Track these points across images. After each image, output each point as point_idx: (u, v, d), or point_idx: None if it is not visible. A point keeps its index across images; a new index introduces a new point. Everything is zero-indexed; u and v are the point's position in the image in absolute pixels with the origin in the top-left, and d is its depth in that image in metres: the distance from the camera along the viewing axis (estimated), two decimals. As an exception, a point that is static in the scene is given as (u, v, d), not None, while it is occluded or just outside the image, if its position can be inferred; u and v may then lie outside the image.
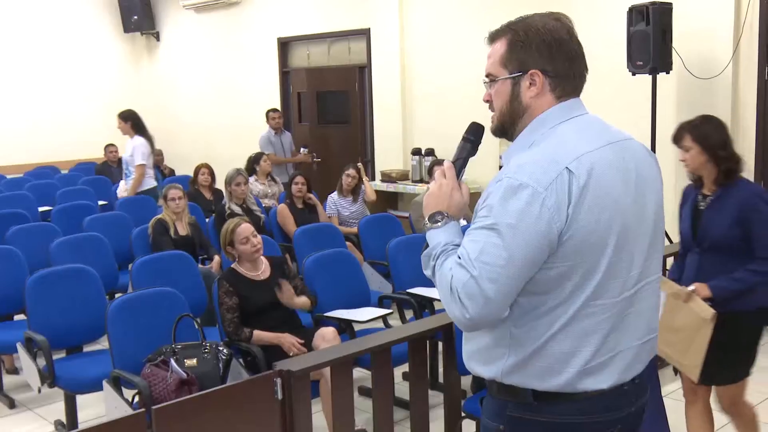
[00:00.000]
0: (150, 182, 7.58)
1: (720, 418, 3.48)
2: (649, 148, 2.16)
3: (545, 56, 1.71)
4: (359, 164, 7.26)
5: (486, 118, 1.93)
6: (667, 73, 5.57)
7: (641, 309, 1.77)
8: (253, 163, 7.72)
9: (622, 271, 1.70)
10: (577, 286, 1.66)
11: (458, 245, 1.70)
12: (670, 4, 5.51)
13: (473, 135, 1.89)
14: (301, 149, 9.08)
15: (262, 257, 4.33)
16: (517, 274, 1.61)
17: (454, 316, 1.66)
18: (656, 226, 1.80)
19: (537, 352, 1.69)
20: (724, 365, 3.16)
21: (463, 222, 1.75)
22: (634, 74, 5.61)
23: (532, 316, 1.68)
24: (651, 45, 5.38)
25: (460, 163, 1.87)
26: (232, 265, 4.29)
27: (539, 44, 1.71)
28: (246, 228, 4.28)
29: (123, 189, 7.65)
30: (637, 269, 1.74)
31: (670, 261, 3.78)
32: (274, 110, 9.05)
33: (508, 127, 1.81)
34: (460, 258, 1.65)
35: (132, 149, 7.41)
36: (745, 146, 5.76)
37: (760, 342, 3.24)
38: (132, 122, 7.49)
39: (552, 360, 1.69)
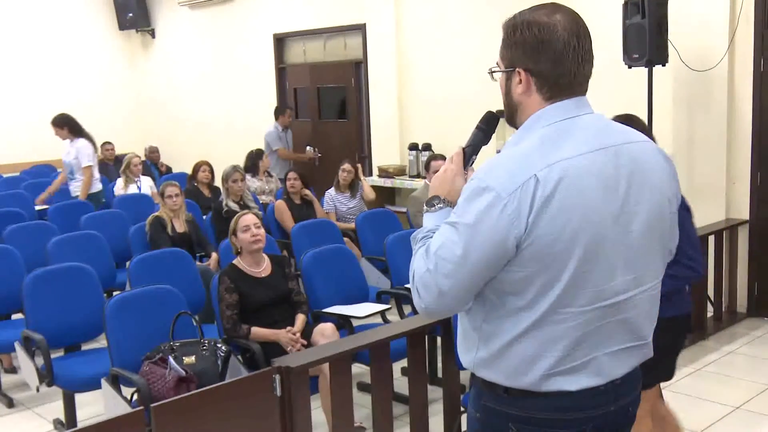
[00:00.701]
0: (96, 185, 7.43)
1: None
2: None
3: (529, 56, 1.69)
4: (358, 163, 7.25)
5: (482, 111, 1.92)
6: (663, 65, 5.56)
7: (630, 317, 1.73)
8: (255, 158, 7.70)
9: (594, 280, 1.66)
10: (540, 293, 1.64)
11: None
12: (666, -4, 5.51)
13: (486, 124, 1.89)
14: (307, 148, 9.11)
15: (264, 255, 4.32)
16: (470, 273, 1.62)
17: (414, 301, 1.71)
18: (653, 234, 1.74)
19: (503, 351, 1.70)
20: None
21: None
22: (630, 67, 5.59)
23: (500, 313, 1.69)
24: (647, 38, 5.37)
25: (470, 150, 1.86)
26: (234, 261, 4.27)
27: (523, 44, 1.70)
28: (250, 218, 4.28)
29: (74, 192, 7.42)
30: (624, 278, 1.69)
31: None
32: (286, 106, 9.07)
33: (510, 119, 1.81)
34: (427, 248, 1.68)
35: (75, 152, 7.24)
36: (742, 138, 5.77)
37: (676, 355, 3.10)
38: (69, 127, 7.32)
39: (517, 360, 1.69)
